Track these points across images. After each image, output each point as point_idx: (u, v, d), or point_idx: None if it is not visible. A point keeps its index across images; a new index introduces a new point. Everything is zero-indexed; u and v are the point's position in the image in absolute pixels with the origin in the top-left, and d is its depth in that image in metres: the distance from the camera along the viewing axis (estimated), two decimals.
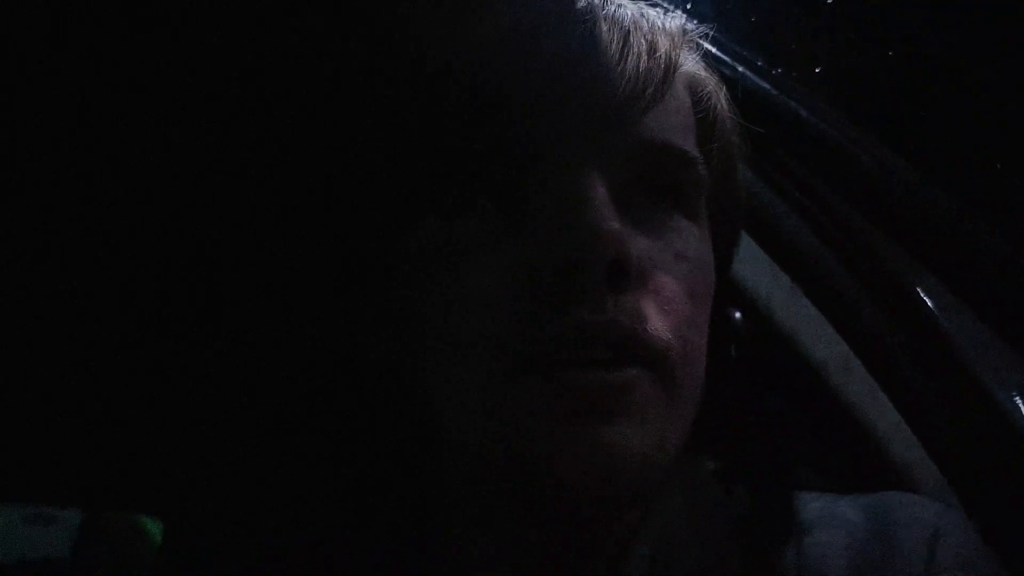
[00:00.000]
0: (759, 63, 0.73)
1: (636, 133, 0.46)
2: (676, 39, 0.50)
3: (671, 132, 0.48)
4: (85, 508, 1.53)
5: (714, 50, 0.74)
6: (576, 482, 0.41)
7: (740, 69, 0.72)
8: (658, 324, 0.44)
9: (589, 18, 0.47)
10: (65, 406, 1.12)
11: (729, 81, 0.75)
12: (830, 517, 0.52)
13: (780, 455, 0.58)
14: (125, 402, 1.06)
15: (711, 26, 0.55)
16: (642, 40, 0.47)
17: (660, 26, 0.49)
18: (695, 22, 0.52)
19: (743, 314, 0.64)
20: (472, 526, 0.50)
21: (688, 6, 0.76)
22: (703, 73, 0.53)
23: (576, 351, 0.42)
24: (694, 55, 0.53)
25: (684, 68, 0.51)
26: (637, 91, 0.45)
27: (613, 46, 0.46)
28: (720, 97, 0.53)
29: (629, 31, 0.47)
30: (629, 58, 0.46)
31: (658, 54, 0.47)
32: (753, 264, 0.68)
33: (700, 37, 0.54)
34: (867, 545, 0.50)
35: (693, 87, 0.51)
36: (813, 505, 0.53)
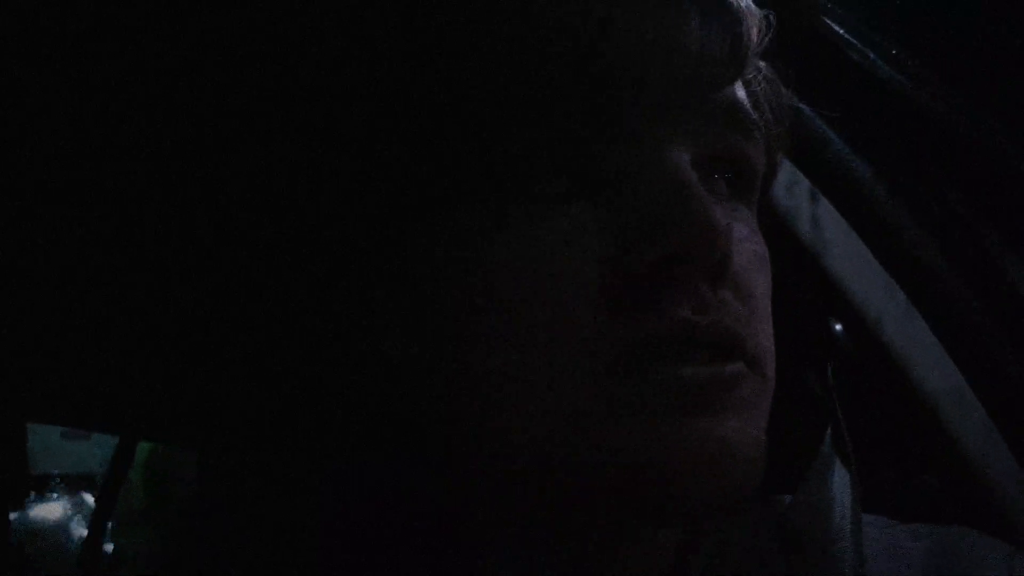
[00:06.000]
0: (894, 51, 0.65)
1: (720, 102, 0.41)
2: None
3: (744, 101, 0.43)
4: (123, 435, 1.55)
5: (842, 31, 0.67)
6: (690, 479, 0.37)
7: (871, 56, 0.64)
8: (754, 325, 0.41)
9: None
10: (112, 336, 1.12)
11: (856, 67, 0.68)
12: (891, 547, 0.48)
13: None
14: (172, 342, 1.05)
15: None
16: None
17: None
18: None
19: (847, 329, 0.58)
20: (513, 532, 0.45)
21: None
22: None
23: (678, 351, 0.38)
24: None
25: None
26: (730, 53, 0.40)
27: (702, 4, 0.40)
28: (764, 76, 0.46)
29: None
30: (723, 15, 0.40)
31: (749, 13, 0.42)
32: (865, 274, 0.61)
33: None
34: None
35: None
36: (869, 530, 0.49)
